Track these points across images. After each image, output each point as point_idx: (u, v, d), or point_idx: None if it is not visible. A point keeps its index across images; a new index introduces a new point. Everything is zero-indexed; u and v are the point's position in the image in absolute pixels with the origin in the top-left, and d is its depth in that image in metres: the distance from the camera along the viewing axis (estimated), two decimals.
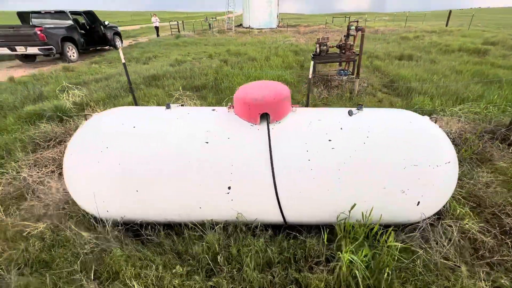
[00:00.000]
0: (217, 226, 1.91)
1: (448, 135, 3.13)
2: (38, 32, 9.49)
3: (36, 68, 9.70)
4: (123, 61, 3.40)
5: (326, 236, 1.83)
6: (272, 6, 25.31)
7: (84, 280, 1.52)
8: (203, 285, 1.54)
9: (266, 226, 2.05)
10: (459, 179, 2.71)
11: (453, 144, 3.21)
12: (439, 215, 2.28)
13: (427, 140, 1.93)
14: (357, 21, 6.81)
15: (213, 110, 2.17)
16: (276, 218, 1.98)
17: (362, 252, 1.63)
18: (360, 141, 1.90)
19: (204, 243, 1.78)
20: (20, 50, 9.69)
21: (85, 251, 1.65)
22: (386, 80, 7.23)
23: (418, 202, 1.92)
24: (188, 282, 1.54)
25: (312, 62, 3.94)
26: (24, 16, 11.19)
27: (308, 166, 1.85)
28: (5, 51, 9.70)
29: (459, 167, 2.80)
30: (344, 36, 7.04)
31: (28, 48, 9.64)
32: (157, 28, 21.85)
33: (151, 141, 1.90)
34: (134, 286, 1.51)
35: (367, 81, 7.07)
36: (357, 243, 1.75)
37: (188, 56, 11.28)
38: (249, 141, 1.90)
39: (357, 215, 1.93)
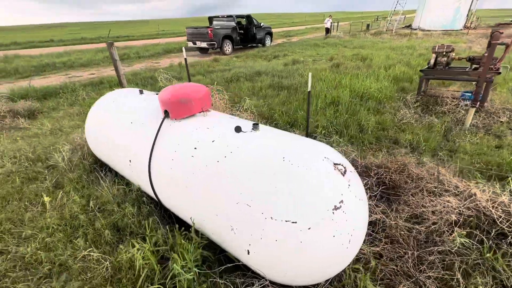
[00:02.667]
0: (121, 187, 2.48)
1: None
2: (209, 32, 12.99)
3: (202, 57, 13.43)
4: (185, 56, 4.44)
5: (148, 228, 1.93)
6: (461, 1, 19.65)
7: (47, 181, 2.63)
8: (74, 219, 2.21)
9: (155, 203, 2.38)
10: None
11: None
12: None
13: (277, 182, 1.50)
14: None
15: None
16: (156, 199, 2.27)
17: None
18: (215, 159, 1.78)
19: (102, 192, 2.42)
20: (198, 44, 13.73)
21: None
22: None
23: (248, 251, 1.58)
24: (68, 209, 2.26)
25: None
26: (210, 19, 15.47)
27: (170, 165, 1.98)
28: (190, 44, 14.10)
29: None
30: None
31: (202, 43, 13.48)
32: (328, 29, 22.31)
33: (111, 113, 2.70)
34: (58, 194, 2.42)
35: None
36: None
37: (310, 57, 11.50)
38: (150, 131, 2.26)
39: (206, 229, 1.86)
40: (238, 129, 1.92)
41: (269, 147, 1.73)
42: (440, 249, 1.85)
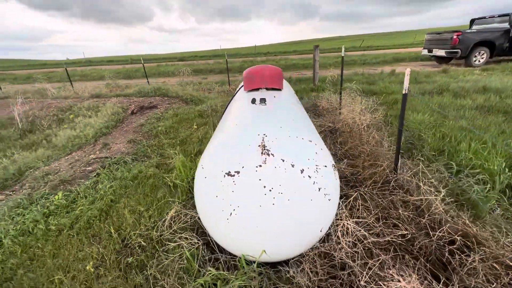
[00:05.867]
0: None
1: None
2: (454, 37, 10.41)
3: (432, 67, 11.23)
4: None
5: (194, 151, 2.76)
6: None
7: (202, 119, 4.34)
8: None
9: None
10: None
11: None
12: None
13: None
14: None
15: None
16: None
17: None
18: (230, 114, 2.27)
19: None
20: (434, 52, 11.53)
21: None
22: None
23: None
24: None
25: None
26: (471, 22, 12.12)
27: (226, 114, 2.69)
28: (425, 52, 12.12)
29: None
30: None
31: (438, 50, 11.17)
32: None
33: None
34: (201, 126, 4.04)
35: None
36: None
37: None
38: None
39: None
40: (253, 101, 2.21)
41: (248, 115, 1.93)
42: None
